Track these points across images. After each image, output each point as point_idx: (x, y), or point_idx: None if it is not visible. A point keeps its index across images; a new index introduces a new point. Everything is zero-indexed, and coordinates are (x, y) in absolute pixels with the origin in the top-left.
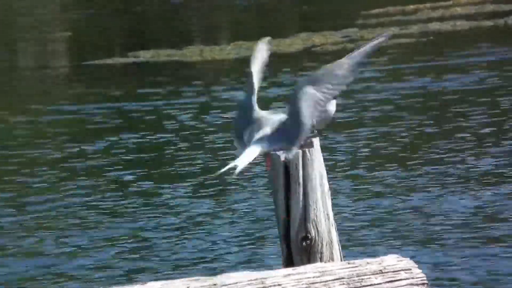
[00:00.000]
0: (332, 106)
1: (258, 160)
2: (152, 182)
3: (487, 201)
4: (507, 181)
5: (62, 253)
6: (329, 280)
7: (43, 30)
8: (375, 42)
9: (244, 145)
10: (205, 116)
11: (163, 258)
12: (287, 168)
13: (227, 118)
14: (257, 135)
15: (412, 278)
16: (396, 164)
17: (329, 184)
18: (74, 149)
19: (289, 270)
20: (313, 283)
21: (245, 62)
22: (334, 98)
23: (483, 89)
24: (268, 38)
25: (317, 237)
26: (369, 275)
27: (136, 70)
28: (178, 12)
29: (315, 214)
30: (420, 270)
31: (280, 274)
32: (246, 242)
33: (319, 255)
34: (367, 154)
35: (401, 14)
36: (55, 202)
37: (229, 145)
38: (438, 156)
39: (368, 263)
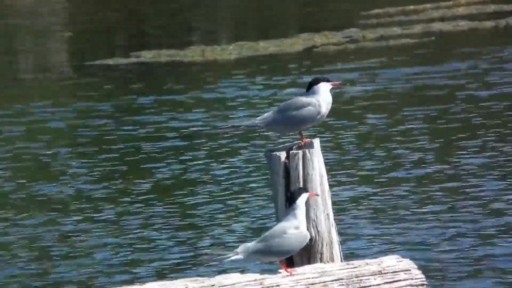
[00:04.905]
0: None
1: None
2: (152, 182)
3: (490, 201)
4: (510, 180)
5: (61, 254)
6: (328, 281)
7: (44, 30)
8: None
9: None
10: (206, 116)
11: (162, 258)
12: (287, 169)
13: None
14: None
15: (411, 279)
16: (396, 165)
17: (329, 184)
18: (74, 149)
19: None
20: (312, 284)
21: (246, 62)
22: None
23: (484, 89)
24: None
25: (317, 237)
26: (368, 276)
27: (137, 70)
28: (179, 12)
29: (315, 214)
30: (420, 271)
31: (279, 274)
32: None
33: (319, 256)
34: (367, 155)
35: (402, 15)
36: (51, 205)
37: (229, 144)
38: (439, 156)
39: (367, 263)
